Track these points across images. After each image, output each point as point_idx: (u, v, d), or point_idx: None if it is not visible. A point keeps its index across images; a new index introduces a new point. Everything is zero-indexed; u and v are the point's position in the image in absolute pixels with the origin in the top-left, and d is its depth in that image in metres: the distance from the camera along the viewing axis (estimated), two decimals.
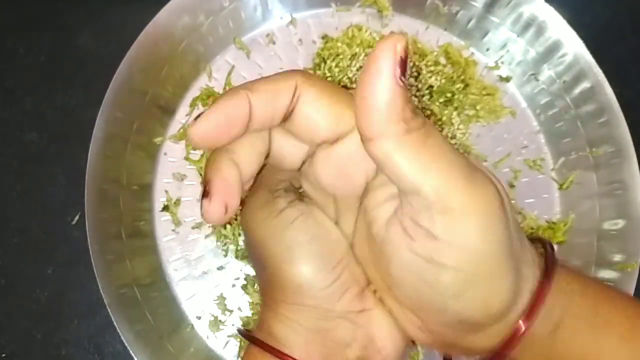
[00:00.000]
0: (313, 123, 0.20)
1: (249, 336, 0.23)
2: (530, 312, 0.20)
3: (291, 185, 0.24)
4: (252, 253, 0.24)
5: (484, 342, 0.21)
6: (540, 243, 0.23)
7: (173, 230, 0.38)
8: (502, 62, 0.42)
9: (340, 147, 0.20)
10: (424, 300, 0.20)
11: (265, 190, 0.23)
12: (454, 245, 0.18)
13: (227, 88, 0.40)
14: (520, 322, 0.20)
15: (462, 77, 0.40)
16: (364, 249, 0.22)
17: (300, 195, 0.23)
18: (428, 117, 0.39)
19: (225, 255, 0.38)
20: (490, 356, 0.21)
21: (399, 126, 0.17)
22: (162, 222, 0.38)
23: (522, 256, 0.20)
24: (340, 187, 0.22)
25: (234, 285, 0.38)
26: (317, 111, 0.20)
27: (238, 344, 0.37)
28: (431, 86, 0.39)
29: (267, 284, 0.23)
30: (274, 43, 0.41)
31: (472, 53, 0.42)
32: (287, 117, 0.20)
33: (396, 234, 0.19)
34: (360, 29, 0.41)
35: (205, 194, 0.20)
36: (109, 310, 0.33)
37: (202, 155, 0.39)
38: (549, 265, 0.21)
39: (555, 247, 0.39)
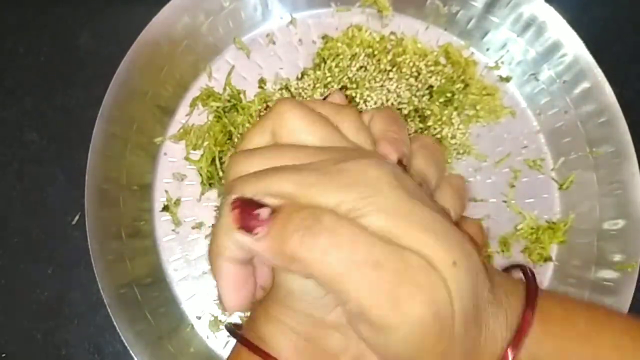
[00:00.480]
0: None
1: (237, 334, 0.23)
2: (514, 344, 0.20)
3: None
4: None
5: None
6: (522, 271, 0.23)
7: (173, 230, 0.38)
8: (502, 62, 0.42)
9: None
10: None
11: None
12: (386, 351, 0.19)
13: (227, 88, 0.40)
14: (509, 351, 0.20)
15: (462, 77, 0.40)
16: None
17: None
18: (428, 117, 0.39)
19: None
20: None
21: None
22: (162, 222, 0.38)
23: (479, 339, 0.20)
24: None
25: None
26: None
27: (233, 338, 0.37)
28: (431, 86, 0.40)
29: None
30: (274, 43, 0.41)
31: (472, 53, 0.42)
32: None
33: None
34: (360, 29, 0.41)
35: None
36: (109, 310, 0.33)
37: (202, 155, 0.39)
38: (530, 296, 0.21)
39: (555, 247, 0.39)
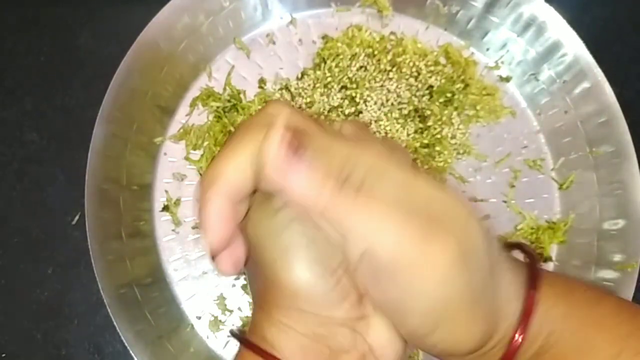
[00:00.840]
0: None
1: (243, 339, 0.23)
2: (522, 325, 0.21)
3: None
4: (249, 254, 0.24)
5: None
6: (523, 252, 0.24)
7: (173, 230, 0.38)
8: (502, 62, 0.42)
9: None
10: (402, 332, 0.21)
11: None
12: (413, 298, 0.19)
13: (227, 88, 0.40)
14: (517, 335, 0.21)
15: (462, 77, 0.40)
16: None
17: None
18: (428, 117, 0.39)
19: None
20: None
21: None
22: (162, 222, 0.38)
23: (498, 294, 0.21)
24: None
25: (234, 285, 0.38)
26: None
27: (238, 344, 0.37)
28: (431, 86, 0.39)
29: (262, 286, 0.23)
30: (274, 43, 0.41)
31: (472, 53, 0.42)
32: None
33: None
34: (360, 29, 0.41)
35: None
36: (109, 310, 0.33)
37: (202, 155, 0.39)
38: (535, 275, 0.22)
39: (555, 247, 0.39)
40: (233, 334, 0.25)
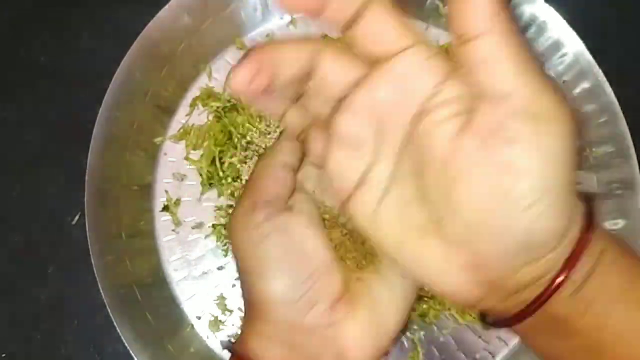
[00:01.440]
0: (379, 34, 0.19)
1: (230, 349, 0.24)
2: (571, 258, 0.19)
3: (277, 196, 0.24)
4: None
5: (532, 277, 0.20)
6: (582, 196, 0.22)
7: (173, 230, 0.38)
8: None
9: (398, 64, 0.19)
10: (489, 221, 0.18)
11: (250, 198, 0.23)
12: (538, 150, 0.17)
13: (227, 89, 0.40)
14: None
15: None
16: (407, 189, 0.21)
17: (284, 206, 0.24)
18: None
19: (225, 255, 0.38)
20: (522, 310, 0.20)
21: (504, 24, 0.17)
22: (162, 222, 0.38)
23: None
24: (388, 114, 0.20)
25: (234, 286, 0.38)
26: (385, 23, 0.19)
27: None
28: None
29: (246, 296, 0.24)
30: None
31: None
32: (349, 26, 0.19)
33: (467, 150, 0.18)
34: None
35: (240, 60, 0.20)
36: (109, 310, 0.33)
37: (201, 156, 0.39)
38: (591, 215, 0.20)
39: None
40: (224, 345, 0.27)
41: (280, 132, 0.27)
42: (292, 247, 0.23)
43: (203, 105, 0.40)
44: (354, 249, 0.25)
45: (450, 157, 0.19)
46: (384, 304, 0.24)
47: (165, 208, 0.38)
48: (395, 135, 0.20)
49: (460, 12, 0.17)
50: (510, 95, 0.17)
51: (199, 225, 0.38)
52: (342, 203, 0.22)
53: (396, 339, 0.34)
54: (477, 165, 0.18)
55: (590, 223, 0.20)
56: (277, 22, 0.41)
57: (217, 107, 0.39)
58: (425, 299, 0.36)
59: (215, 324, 0.37)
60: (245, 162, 0.38)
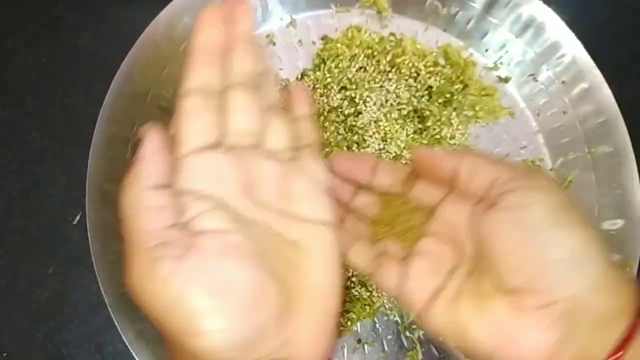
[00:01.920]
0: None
1: None
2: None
3: (167, 234, 0.19)
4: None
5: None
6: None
7: None
8: (501, 63, 0.42)
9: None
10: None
11: (141, 248, 0.19)
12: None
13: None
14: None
15: (461, 78, 0.40)
16: (462, 233, 0.23)
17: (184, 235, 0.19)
18: (427, 117, 0.39)
19: None
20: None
21: None
22: None
23: None
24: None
25: None
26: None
27: None
28: (430, 87, 0.40)
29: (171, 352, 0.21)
30: (274, 44, 0.41)
31: (471, 54, 0.42)
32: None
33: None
34: (359, 30, 0.41)
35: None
36: (109, 310, 0.33)
37: None
38: None
39: None
40: None
41: None
42: (213, 280, 0.18)
43: None
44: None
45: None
46: (319, 294, 0.22)
47: None
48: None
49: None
50: None
51: None
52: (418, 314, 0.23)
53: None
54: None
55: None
56: (277, 23, 0.41)
57: None
58: None
59: None
60: None
